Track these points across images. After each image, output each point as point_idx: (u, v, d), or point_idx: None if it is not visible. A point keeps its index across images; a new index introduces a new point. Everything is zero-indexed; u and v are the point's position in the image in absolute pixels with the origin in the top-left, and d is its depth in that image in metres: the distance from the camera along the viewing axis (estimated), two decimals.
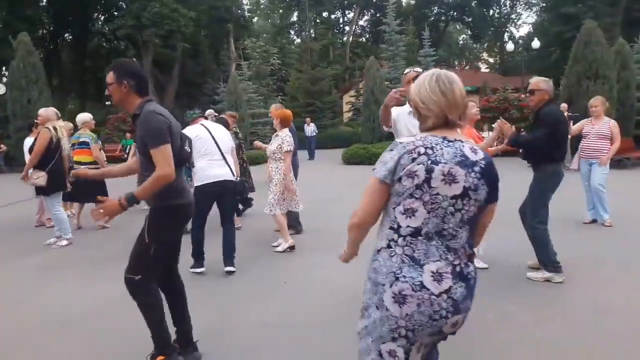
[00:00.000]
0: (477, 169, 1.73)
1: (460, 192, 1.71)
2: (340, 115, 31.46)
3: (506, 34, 51.04)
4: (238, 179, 5.38)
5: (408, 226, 1.74)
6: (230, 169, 5.15)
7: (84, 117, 7.95)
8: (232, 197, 5.33)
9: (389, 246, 1.78)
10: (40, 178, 6.43)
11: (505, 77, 32.67)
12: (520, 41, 48.17)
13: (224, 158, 5.14)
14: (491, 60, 58.94)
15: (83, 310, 4.18)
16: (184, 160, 2.95)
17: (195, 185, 5.08)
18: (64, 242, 6.68)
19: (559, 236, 4.87)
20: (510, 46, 29.61)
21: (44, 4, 34.32)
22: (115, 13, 30.62)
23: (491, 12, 50.02)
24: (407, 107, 3.34)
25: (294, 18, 47.90)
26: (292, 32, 49.94)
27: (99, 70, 37.72)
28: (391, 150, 1.79)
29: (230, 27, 33.61)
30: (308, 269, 5.23)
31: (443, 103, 1.77)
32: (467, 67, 56.74)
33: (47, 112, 6.87)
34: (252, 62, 31.20)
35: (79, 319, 3.99)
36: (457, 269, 1.74)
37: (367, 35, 53.17)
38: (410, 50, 25.19)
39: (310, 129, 19.99)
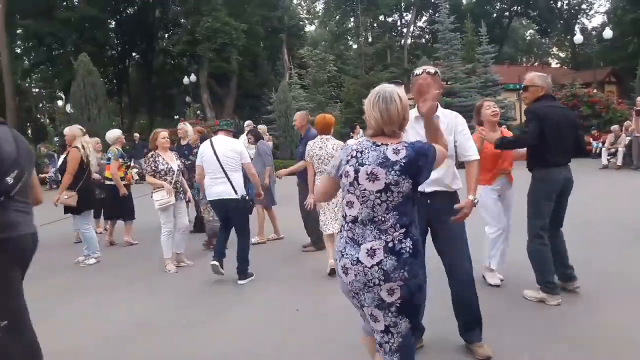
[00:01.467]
0: (397, 167, 2.12)
1: (383, 187, 2.14)
2: None
3: (577, 26, 47.92)
4: (242, 196, 5.18)
5: (349, 215, 2.24)
6: (233, 186, 5.11)
7: (114, 133, 7.98)
8: (236, 213, 5.25)
9: (340, 230, 2.33)
10: (71, 198, 6.43)
11: (576, 72, 30.66)
12: (594, 32, 45.10)
13: (226, 175, 5.14)
14: (562, 54, 55.70)
15: (94, 337, 4.06)
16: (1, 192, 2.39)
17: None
18: (92, 261, 6.68)
19: (609, 247, 4.19)
20: (578, 38, 27.57)
21: (112, 26, 36.26)
22: (178, 31, 31.51)
23: (559, 4, 47.14)
24: (414, 112, 2.98)
25: (351, 24, 47.51)
26: (349, 38, 49.55)
27: (166, 86, 39.44)
28: (341, 150, 2.40)
29: (283, 37, 33.82)
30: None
31: (380, 120, 2.21)
32: (536, 63, 54.04)
33: (71, 130, 6.85)
34: (309, 70, 31.35)
35: (87, 348, 3.86)
36: (389, 245, 2.14)
37: (427, 37, 51.86)
38: (470, 48, 24.03)
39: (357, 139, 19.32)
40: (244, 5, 31.17)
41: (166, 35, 33.64)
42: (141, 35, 35.49)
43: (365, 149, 2.21)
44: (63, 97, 27.76)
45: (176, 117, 37.61)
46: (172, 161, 6.12)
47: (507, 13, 48.70)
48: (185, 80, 27.20)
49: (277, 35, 35.07)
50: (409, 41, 48.26)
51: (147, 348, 3.77)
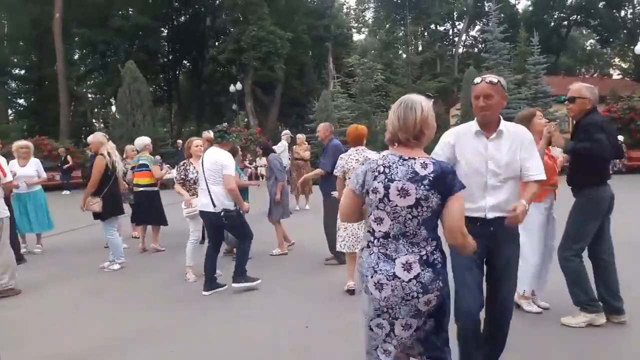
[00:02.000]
0: (426, 182, 2.16)
1: (414, 202, 2.17)
2: (444, 130, 29.74)
3: None
4: (219, 210, 5.08)
5: (380, 231, 2.24)
6: (212, 200, 5.04)
7: (143, 140, 7.99)
8: (217, 226, 5.30)
9: (368, 246, 2.30)
10: (96, 204, 6.46)
11: (637, 84, 28.97)
12: None
13: (207, 187, 5.10)
14: (624, 65, 52.89)
15: (102, 344, 4.10)
16: None
17: None
18: (117, 266, 6.73)
19: None
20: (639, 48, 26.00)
21: (164, 34, 37.38)
22: (226, 39, 32.06)
23: (622, 12, 44.80)
24: (474, 125, 2.93)
25: (401, 33, 46.99)
26: (399, 47, 48.99)
27: (215, 94, 40.23)
28: (362, 164, 2.48)
29: (329, 46, 33.81)
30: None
31: (396, 125, 2.25)
32: (595, 74, 51.62)
33: (96, 137, 6.88)
34: (356, 79, 31.14)
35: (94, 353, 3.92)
36: (424, 257, 2.20)
37: (480, 46, 50.52)
38: (522, 59, 23.17)
39: None
40: (291, 14, 31.42)
41: (216, 44, 34.26)
42: (192, 44, 36.33)
43: (393, 163, 2.21)
44: (113, 102, 28.77)
45: (225, 124, 38.10)
46: None
47: (565, 22, 46.75)
48: (232, 88, 27.56)
49: (323, 44, 35.08)
50: (460, 50, 47.14)
51: (144, 356, 3.80)
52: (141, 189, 7.65)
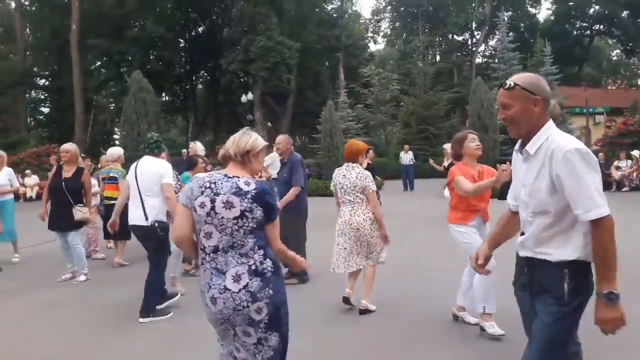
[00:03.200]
0: (249, 196, 2.36)
1: (239, 214, 2.34)
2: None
3: None
4: (153, 222, 4.81)
5: (209, 245, 2.38)
6: (145, 212, 4.78)
7: (116, 151, 7.87)
8: (147, 241, 4.99)
9: (202, 262, 2.43)
10: (87, 213, 6.60)
11: None
12: None
13: (141, 200, 4.82)
14: None
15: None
16: None
17: None
18: (83, 277, 6.61)
19: None
20: None
21: (182, 44, 37.88)
22: (237, 49, 32.20)
23: None
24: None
25: (419, 43, 46.69)
26: (416, 57, 48.66)
27: (232, 103, 40.47)
28: (191, 181, 2.55)
29: (340, 56, 33.76)
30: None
31: (229, 145, 2.55)
32: (622, 84, 50.30)
33: (75, 148, 6.90)
34: (371, 89, 31.03)
35: None
36: (252, 267, 2.35)
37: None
38: (537, 69, 22.61)
39: (408, 157, 18.51)
40: (302, 24, 31.45)
41: (229, 55, 34.55)
42: (209, 54, 36.70)
43: (218, 180, 2.42)
44: None
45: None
46: None
47: (588, 32, 45.74)
48: (243, 98, 27.67)
49: (334, 54, 35.04)
50: (479, 60, 46.48)
51: None
52: (111, 202, 7.55)
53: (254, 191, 2.37)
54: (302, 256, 5.88)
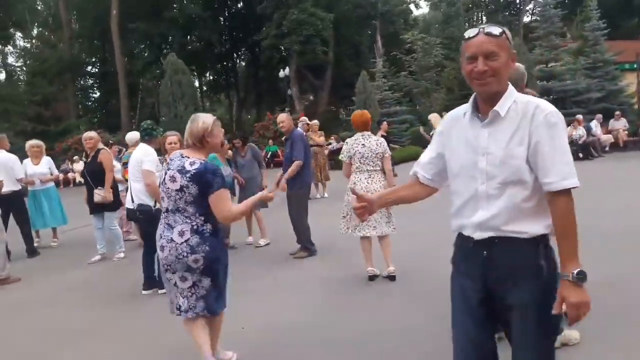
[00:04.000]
0: (188, 175, 2.93)
1: (179, 188, 2.95)
2: None
3: None
4: (137, 204, 5.20)
5: (165, 206, 3.09)
6: (131, 196, 5.22)
7: (134, 135, 7.97)
8: (135, 221, 5.81)
9: (161, 218, 3.14)
10: (109, 195, 6.85)
11: None
12: None
13: (130, 184, 5.30)
14: None
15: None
16: None
17: None
18: (121, 255, 6.97)
19: None
20: None
21: (221, 22, 37.97)
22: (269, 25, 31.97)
23: None
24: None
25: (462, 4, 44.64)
26: (461, 19, 46.65)
27: (273, 79, 40.46)
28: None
29: (377, 24, 32.80)
30: None
31: (187, 132, 3.11)
32: None
33: (96, 135, 7.29)
34: (414, 55, 30.19)
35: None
36: (194, 227, 2.98)
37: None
38: (583, 25, 21.28)
39: None
40: None
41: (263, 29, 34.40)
42: (248, 30, 36.64)
43: (175, 158, 3.08)
44: None
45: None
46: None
47: None
48: (281, 73, 27.64)
49: (369, 22, 34.16)
50: (526, 19, 44.06)
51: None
52: None
53: (194, 171, 2.92)
54: (304, 229, 6.13)
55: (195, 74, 40.43)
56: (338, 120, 29.70)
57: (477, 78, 1.84)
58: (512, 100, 1.87)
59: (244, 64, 43.83)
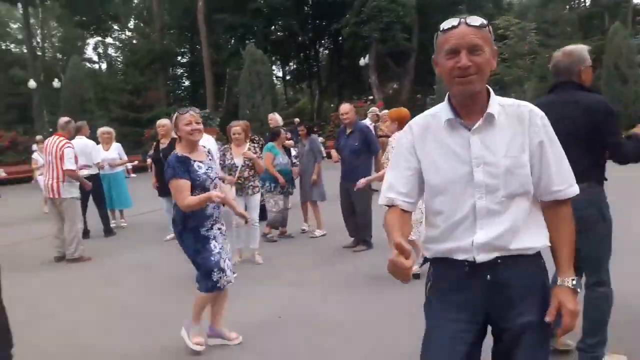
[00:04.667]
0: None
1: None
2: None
3: None
4: None
5: None
6: None
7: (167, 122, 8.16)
8: None
9: None
10: None
11: None
12: None
13: None
14: None
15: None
16: None
17: None
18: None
19: None
20: None
21: (305, 12, 38.04)
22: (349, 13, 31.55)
23: None
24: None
25: None
26: (560, 2, 43.27)
27: (354, 67, 40.08)
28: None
29: (463, 9, 31.13)
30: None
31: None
32: None
33: (167, 122, 7.39)
34: (506, 42, 28.52)
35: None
36: (173, 217, 3.79)
37: None
38: None
39: None
40: None
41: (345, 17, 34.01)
42: (331, 19, 36.42)
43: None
44: None
45: (371, 97, 37.88)
46: (239, 157, 6.12)
47: None
48: (361, 61, 27.17)
49: (457, 7, 32.51)
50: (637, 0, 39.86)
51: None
52: None
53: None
54: (367, 223, 5.86)
55: (279, 63, 40.99)
56: (423, 109, 28.70)
57: (460, 75, 1.61)
58: (497, 102, 1.70)
59: (327, 52, 43.83)
